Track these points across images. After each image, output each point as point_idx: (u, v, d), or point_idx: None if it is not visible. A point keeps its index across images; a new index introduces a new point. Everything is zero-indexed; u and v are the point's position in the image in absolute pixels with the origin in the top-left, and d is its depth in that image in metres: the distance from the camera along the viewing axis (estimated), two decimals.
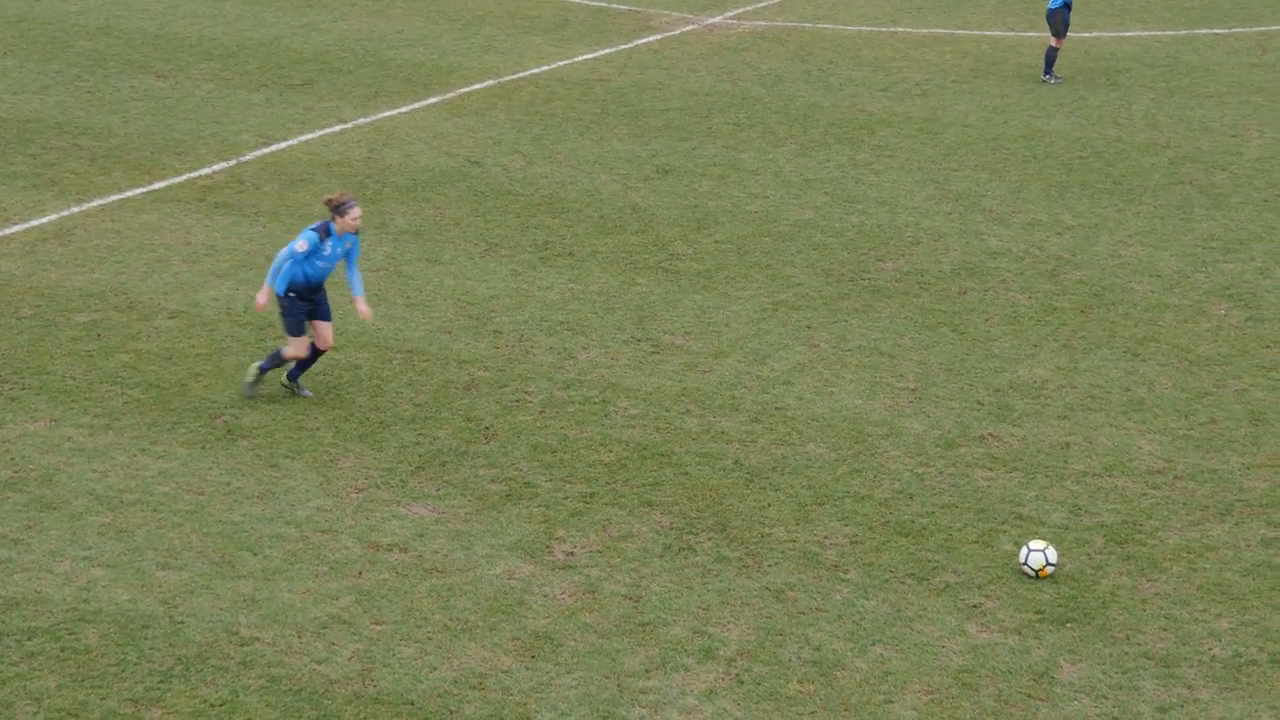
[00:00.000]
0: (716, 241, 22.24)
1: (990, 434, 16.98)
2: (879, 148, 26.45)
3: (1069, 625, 13.72)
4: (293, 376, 17.49)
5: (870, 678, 13.02)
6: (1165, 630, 13.67)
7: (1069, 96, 29.57)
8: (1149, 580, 14.40)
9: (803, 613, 13.85)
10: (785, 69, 31.23)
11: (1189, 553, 14.84)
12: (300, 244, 16.77)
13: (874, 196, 24.13)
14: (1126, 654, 13.36)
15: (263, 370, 17.40)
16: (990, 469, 16.27)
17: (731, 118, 27.94)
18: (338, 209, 16.81)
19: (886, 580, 14.35)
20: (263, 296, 17.04)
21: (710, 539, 14.94)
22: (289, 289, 16.94)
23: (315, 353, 17.35)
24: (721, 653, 13.30)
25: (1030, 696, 12.82)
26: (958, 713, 12.62)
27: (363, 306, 17.28)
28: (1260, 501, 15.75)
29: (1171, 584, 14.34)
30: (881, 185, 24.63)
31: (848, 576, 14.39)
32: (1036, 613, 13.88)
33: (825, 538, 14.99)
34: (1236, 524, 15.35)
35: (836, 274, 21.19)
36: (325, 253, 16.93)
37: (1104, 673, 13.12)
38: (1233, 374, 18.47)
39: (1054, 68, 30.64)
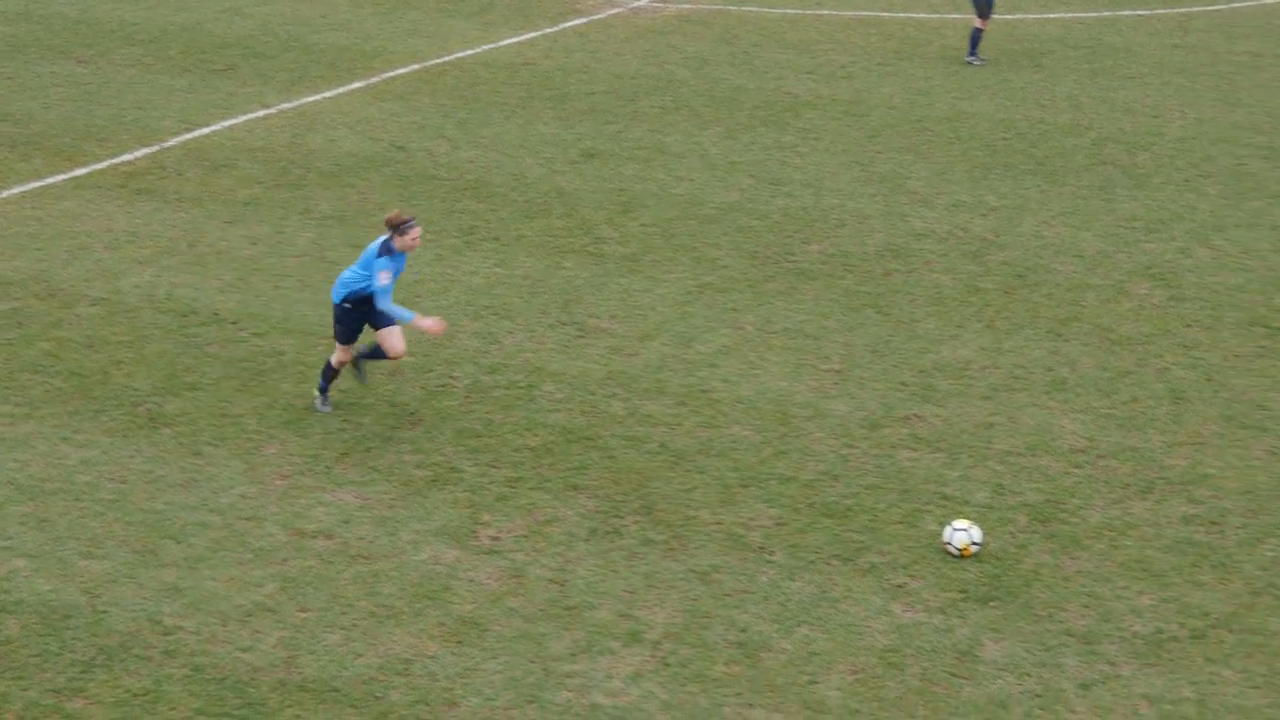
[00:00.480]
0: (642, 225, 22.23)
1: (914, 415, 17.06)
2: (804, 130, 26.50)
3: (992, 604, 13.80)
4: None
5: (796, 658, 13.06)
6: (1087, 608, 13.78)
7: (993, 78, 29.70)
8: (1071, 558, 14.50)
9: (728, 594, 13.88)
10: (710, 52, 31.23)
11: (1111, 530, 14.95)
12: (383, 277, 15.98)
13: (799, 179, 24.18)
14: (1049, 631, 13.45)
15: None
16: (914, 449, 16.34)
17: (657, 101, 27.93)
18: (398, 228, 16.05)
19: (812, 561, 14.39)
20: (428, 322, 16.23)
21: (636, 522, 14.95)
22: (345, 299, 16.30)
23: (378, 355, 16.78)
24: (647, 635, 13.31)
25: (954, 675, 12.90)
26: (882, 692, 12.68)
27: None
28: (1181, 479, 15.88)
29: (1094, 562, 14.45)
30: (806, 168, 24.68)
31: (773, 558, 14.43)
32: (960, 592, 13.95)
33: (751, 519, 15.03)
34: (1158, 501, 15.47)
35: (762, 256, 21.22)
36: (400, 268, 16.36)
37: (1027, 650, 13.21)
38: (1154, 353, 18.61)
39: (978, 49, 30.77)
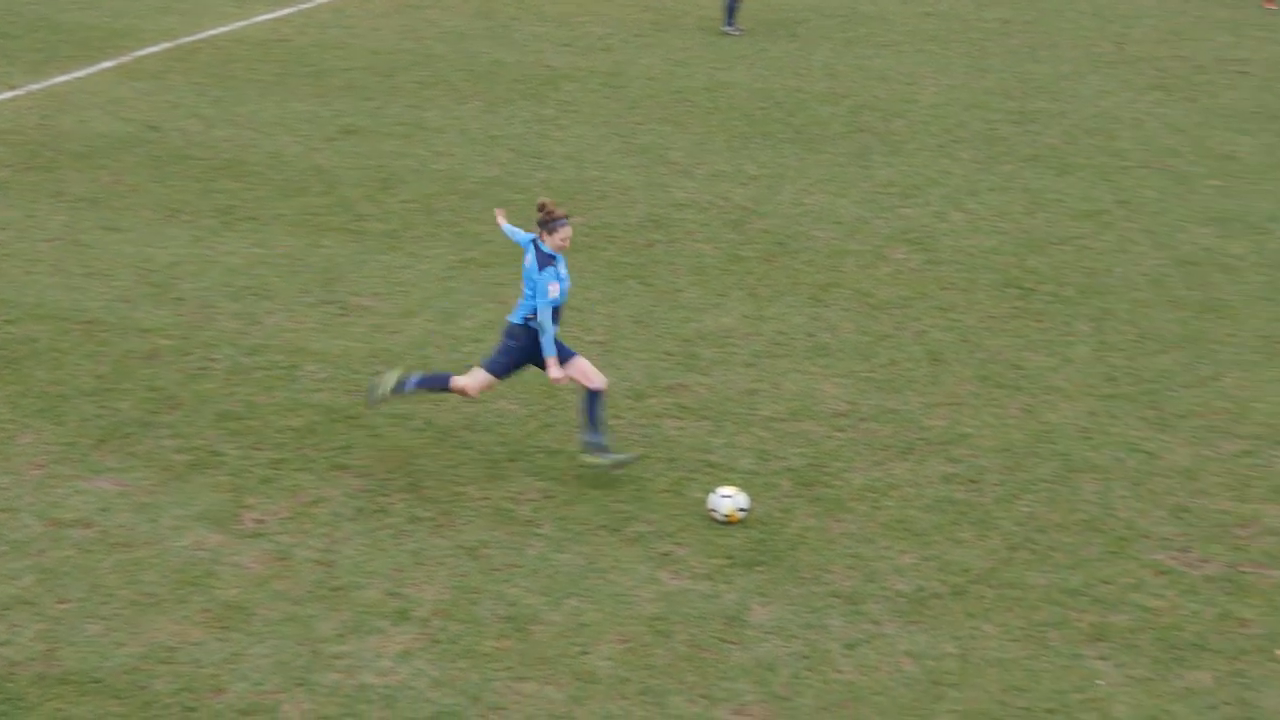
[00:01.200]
0: (403, 201, 22.07)
1: (679, 384, 17.16)
2: (564, 103, 26.50)
3: (759, 568, 13.94)
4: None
5: (565, 630, 13.07)
6: (852, 568, 13.97)
7: (750, 48, 29.95)
8: (836, 520, 14.69)
9: (497, 569, 13.85)
10: (468, 26, 31.10)
11: (873, 492, 15.18)
12: (552, 288, 14.41)
13: (560, 151, 24.18)
14: (815, 593, 13.62)
15: (416, 384, 15.27)
16: (680, 418, 16.44)
17: (415, 76, 27.74)
18: (546, 225, 14.52)
19: (580, 533, 14.41)
20: (558, 371, 14.66)
21: (403, 500, 14.85)
22: (528, 318, 14.69)
23: (592, 398, 15.04)
24: (416, 613, 13.23)
25: (722, 640, 13.00)
26: (651, 659, 12.74)
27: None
28: (940, 439, 16.18)
29: (857, 523, 14.66)
30: (567, 140, 24.68)
31: (541, 531, 14.42)
32: (727, 558, 14.07)
33: (519, 493, 15.00)
34: (918, 462, 15.74)
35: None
36: (562, 273, 14.65)
37: (794, 613, 13.36)
38: (912, 316, 18.93)
39: (735, 19, 31.02)
